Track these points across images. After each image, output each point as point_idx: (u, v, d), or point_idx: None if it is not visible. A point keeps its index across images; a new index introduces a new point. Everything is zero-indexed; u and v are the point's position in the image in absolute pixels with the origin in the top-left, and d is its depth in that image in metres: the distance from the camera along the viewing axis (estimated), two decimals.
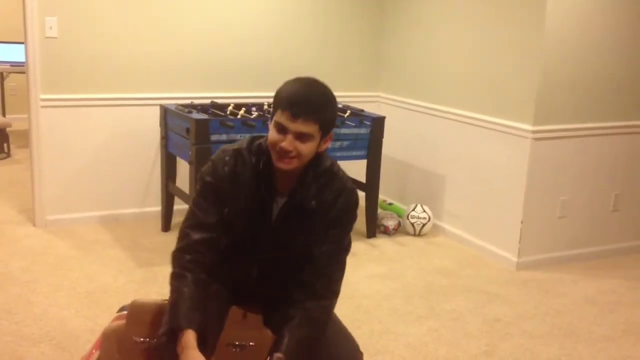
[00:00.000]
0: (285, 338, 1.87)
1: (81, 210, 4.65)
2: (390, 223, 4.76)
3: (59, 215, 4.59)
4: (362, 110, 4.69)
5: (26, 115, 4.50)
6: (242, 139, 2.06)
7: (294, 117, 1.83)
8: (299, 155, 1.87)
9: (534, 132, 4.05)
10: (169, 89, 4.69)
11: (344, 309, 3.47)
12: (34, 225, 4.55)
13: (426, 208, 4.76)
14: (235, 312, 2.12)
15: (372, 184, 4.59)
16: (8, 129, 6.59)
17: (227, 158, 1.96)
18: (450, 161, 4.73)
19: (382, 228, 4.76)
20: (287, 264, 2.01)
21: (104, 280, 3.71)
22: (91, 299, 3.48)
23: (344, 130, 4.39)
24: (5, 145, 6.58)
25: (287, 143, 1.84)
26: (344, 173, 2.04)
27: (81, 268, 3.90)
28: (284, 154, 1.86)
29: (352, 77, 5.33)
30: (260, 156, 1.95)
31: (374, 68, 5.39)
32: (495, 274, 4.15)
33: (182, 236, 1.98)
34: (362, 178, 4.62)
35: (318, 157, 1.96)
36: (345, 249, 2.02)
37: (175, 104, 4.38)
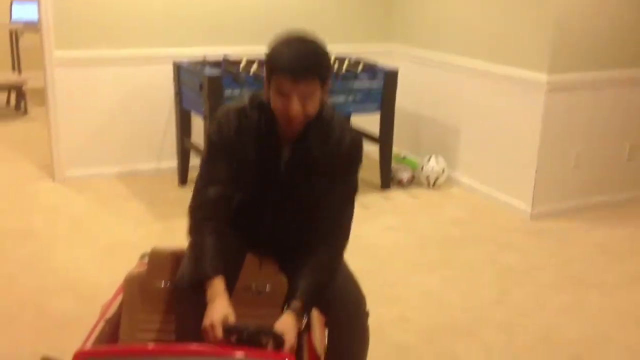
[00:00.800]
0: (299, 285, 1.92)
1: (99, 166, 4.72)
2: (404, 175, 4.79)
3: (77, 170, 4.66)
4: (376, 64, 4.67)
5: (41, 73, 4.54)
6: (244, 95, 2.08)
7: (296, 80, 1.83)
8: (307, 116, 1.89)
9: (548, 82, 4.02)
10: (182, 43, 4.70)
11: (358, 260, 3.52)
12: (53, 180, 4.63)
13: (440, 160, 4.78)
14: (251, 259, 2.18)
15: (385, 137, 4.60)
16: (24, 87, 6.65)
17: (231, 116, 1.99)
18: (465, 113, 4.73)
19: (396, 180, 4.79)
20: (298, 213, 2.06)
21: (123, 234, 3.79)
22: (111, 252, 3.57)
23: (357, 84, 4.39)
24: (22, 102, 6.66)
25: (295, 109, 1.85)
26: (344, 119, 2.07)
27: (100, 222, 3.99)
28: (291, 116, 1.87)
29: (366, 30, 5.29)
30: (262, 113, 1.97)
31: (388, 21, 5.35)
32: (509, 223, 4.18)
33: (197, 193, 2.03)
34: (376, 131, 4.63)
35: (319, 112, 1.97)
36: (352, 194, 2.05)
37: (188, 60, 4.39)
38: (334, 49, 4.85)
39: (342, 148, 1.98)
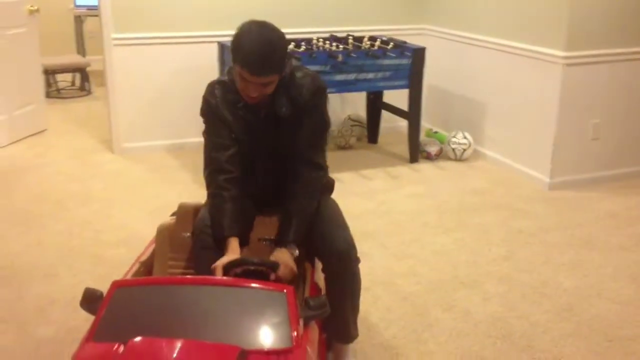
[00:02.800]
0: (286, 221, 2.29)
1: (152, 139, 5.19)
2: (432, 149, 5.09)
3: (133, 143, 5.15)
4: (405, 42, 4.97)
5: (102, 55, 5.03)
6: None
7: (253, 74, 2.14)
8: (265, 96, 2.24)
9: (565, 57, 4.25)
10: (226, 26, 5.08)
11: (379, 223, 3.92)
12: (112, 152, 5.14)
13: (467, 134, 5.06)
14: (260, 218, 2.54)
15: (413, 112, 4.90)
16: (88, 69, 7.20)
17: (215, 91, 2.37)
18: (490, 89, 4.98)
19: (424, 154, 5.09)
20: (286, 163, 2.39)
21: (170, 198, 4.24)
22: (159, 212, 4.00)
23: (386, 61, 4.70)
24: (86, 83, 7.21)
25: (253, 95, 2.21)
26: (303, 68, 2.38)
27: (151, 188, 4.46)
28: (250, 98, 2.23)
29: (398, 11, 5.57)
30: (230, 92, 2.33)
31: (420, 2, 5.61)
32: (527, 193, 4.45)
33: (210, 161, 2.37)
34: (405, 106, 4.94)
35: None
36: (322, 126, 2.41)
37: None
38: (369, 29, 5.24)
39: (303, 92, 2.32)
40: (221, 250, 2.23)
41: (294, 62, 2.40)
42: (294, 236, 2.29)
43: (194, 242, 2.39)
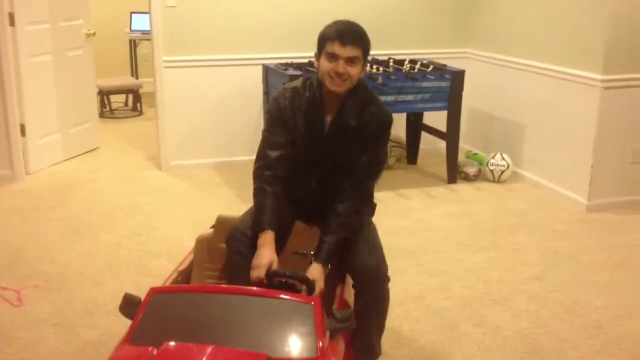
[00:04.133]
0: (325, 239, 2.38)
1: (199, 157, 5.38)
2: (471, 170, 5.15)
3: (180, 161, 5.35)
4: (445, 65, 5.06)
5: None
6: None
7: (344, 44, 2.33)
8: (350, 77, 2.36)
9: (603, 80, 4.29)
10: (270, 49, 5.28)
11: (414, 241, 4.00)
12: (160, 169, 5.35)
13: (505, 156, 5.10)
14: (298, 226, 2.65)
15: (451, 133, 4.98)
16: (140, 90, 7.50)
17: (286, 94, 2.50)
18: (529, 111, 5.03)
19: (462, 175, 5.15)
20: (339, 177, 2.49)
21: (213, 212, 4.33)
22: (202, 226, 4.14)
23: (425, 84, 4.80)
24: (138, 104, 7.51)
25: (341, 67, 2.34)
26: (378, 99, 2.54)
27: (196, 202, 4.64)
28: (338, 77, 2.35)
29: (442, 35, 5.68)
30: (312, 89, 2.49)
31: (463, 27, 5.71)
32: (564, 214, 4.46)
33: (261, 157, 2.51)
34: (443, 128, 5.02)
35: (356, 86, 2.46)
36: (378, 162, 2.52)
37: (275, 63, 4.98)
38: (412, 53, 5.35)
39: (373, 119, 2.45)
40: (254, 248, 2.34)
41: (372, 92, 2.55)
42: (330, 255, 2.38)
43: (227, 247, 2.51)
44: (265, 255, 2.31)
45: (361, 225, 2.49)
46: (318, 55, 2.44)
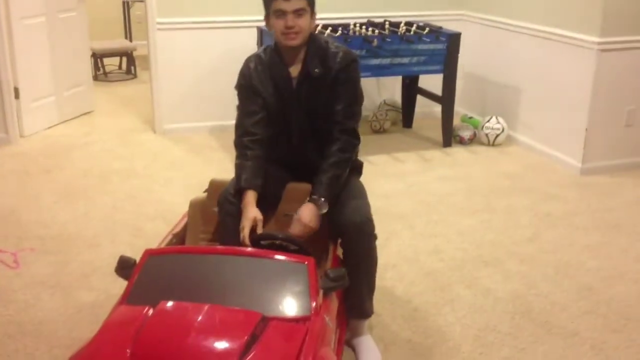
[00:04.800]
0: (318, 180, 2.46)
1: (194, 121, 5.37)
2: (466, 133, 5.15)
3: (174, 124, 5.34)
4: (440, 28, 5.03)
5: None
6: None
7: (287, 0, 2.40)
8: (300, 29, 2.44)
9: (599, 43, 4.27)
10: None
11: (408, 204, 4.02)
12: (154, 132, 5.35)
13: (500, 119, 5.10)
14: (289, 189, 2.67)
15: (447, 96, 4.97)
16: (134, 53, 7.45)
17: (250, 63, 2.59)
18: (525, 75, 5.01)
19: (457, 138, 5.15)
20: (319, 128, 2.56)
21: (208, 175, 4.28)
22: (197, 189, 4.13)
23: (420, 46, 4.77)
24: (132, 67, 7.46)
25: (290, 21, 2.43)
26: (337, 43, 2.60)
27: (191, 166, 4.64)
28: (289, 30, 2.42)
29: None
30: (271, 51, 2.57)
31: None
32: (558, 178, 4.48)
33: (238, 126, 2.59)
34: (439, 91, 5.01)
35: (313, 39, 2.53)
36: (357, 102, 2.58)
37: None
38: (408, 15, 5.31)
39: (336, 60, 2.52)
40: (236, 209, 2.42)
41: (328, 36, 2.59)
42: (324, 192, 2.45)
43: (218, 210, 2.55)
44: (248, 214, 2.37)
45: (351, 160, 2.56)
46: (267, 16, 2.51)
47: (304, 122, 2.58)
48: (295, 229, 2.40)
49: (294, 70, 2.54)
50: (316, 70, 2.51)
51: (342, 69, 2.52)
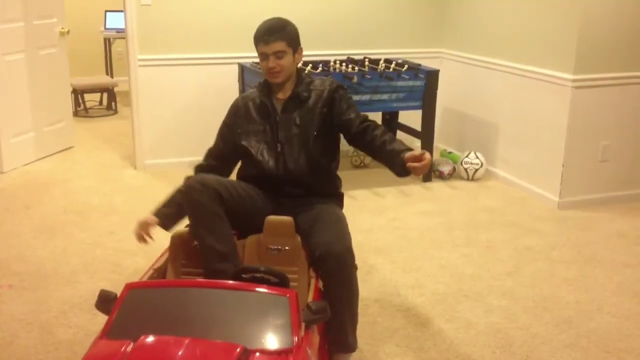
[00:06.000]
0: (390, 146, 2.53)
1: (174, 156, 5.37)
2: (445, 168, 5.20)
3: (155, 160, 5.34)
4: (419, 65, 5.11)
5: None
6: None
7: (266, 42, 2.60)
8: (282, 68, 2.62)
9: (574, 80, 4.37)
10: (246, 49, 5.27)
11: (388, 238, 4.04)
12: (135, 168, 5.34)
13: (479, 155, 5.17)
14: (270, 222, 2.67)
15: (426, 132, 5.04)
16: (115, 89, 7.46)
17: (238, 101, 2.81)
18: (503, 110, 5.10)
19: (437, 173, 5.21)
20: (304, 152, 2.66)
21: None
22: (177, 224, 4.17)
23: (400, 83, 4.85)
24: (113, 103, 7.47)
25: (272, 62, 2.62)
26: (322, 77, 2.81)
27: None
28: (271, 70, 2.62)
29: (417, 35, 5.73)
30: (260, 85, 2.77)
31: (438, 27, 5.77)
32: (537, 212, 4.54)
33: (204, 156, 2.87)
34: (418, 127, 5.07)
35: (300, 77, 2.73)
36: (354, 105, 2.75)
37: (251, 62, 4.99)
38: (387, 52, 5.40)
39: (327, 83, 2.71)
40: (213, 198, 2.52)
41: (309, 72, 2.75)
42: (402, 146, 2.52)
43: (186, 199, 2.57)
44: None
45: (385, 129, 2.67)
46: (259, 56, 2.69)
47: (293, 146, 2.66)
48: (425, 167, 2.38)
49: (283, 95, 2.72)
50: (304, 94, 2.68)
51: (335, 90, 2.70)
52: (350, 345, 2.64)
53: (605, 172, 4.65)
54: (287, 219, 2.61)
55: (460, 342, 2.96)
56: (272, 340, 2.01)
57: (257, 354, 1.93)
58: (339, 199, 2.80)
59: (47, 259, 3.72)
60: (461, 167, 5.19)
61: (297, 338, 2.01)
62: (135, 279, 3.40)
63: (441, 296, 3.37)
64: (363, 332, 2.93)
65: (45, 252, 3.80)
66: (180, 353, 1.86)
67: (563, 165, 4.52)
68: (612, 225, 4.32)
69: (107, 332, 2.05)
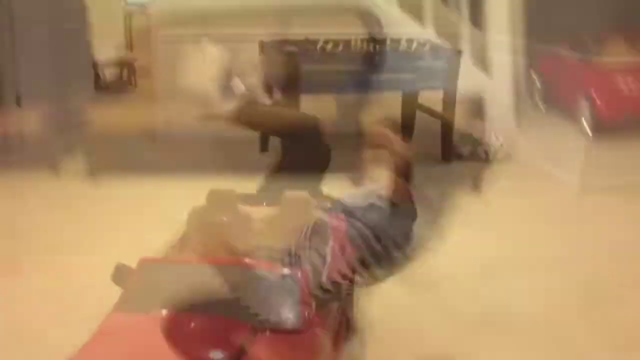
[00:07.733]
0: None
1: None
2: (465, 149, 5.14)
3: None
4: (442, 45, 5.03)
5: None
6: None
7: None
8: None
9: None
10: (268, 25, 5.22)
11: None
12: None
13: (500, 136, 5.10)
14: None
15: (447, 113, 4.96)
16: (135, 63, 7.40)
17: None
18: None
19: (457, 154, 5.14)
20: None
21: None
22: None
23: (421, 63, 4.77)
24: (132, 77, 7.42)
25: None
26: None
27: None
28: None
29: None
30: None
31: None
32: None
33: None
34: (439, 107, 5.01)
35: None
36: None
37: (272, 39, 4.93)
38: (407, 31, 5.30)
39: None
40: None
41: None
42: None
43: None
44: None
45: None
46: None
47: None
48: None
49: None
50: None
51: None
52: None
53: None
54: None
55: None
56: (281, 320, 2.01)
57: (267, 332, 1.95)
58: None
59: None
60: (480, 147, 5.12)
61: (307, 317, 2.02)
62: None
63: None
64: None
65: None
66: (190, 328, 1.91)
67: None
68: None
69: (121, 305, 2.09)
